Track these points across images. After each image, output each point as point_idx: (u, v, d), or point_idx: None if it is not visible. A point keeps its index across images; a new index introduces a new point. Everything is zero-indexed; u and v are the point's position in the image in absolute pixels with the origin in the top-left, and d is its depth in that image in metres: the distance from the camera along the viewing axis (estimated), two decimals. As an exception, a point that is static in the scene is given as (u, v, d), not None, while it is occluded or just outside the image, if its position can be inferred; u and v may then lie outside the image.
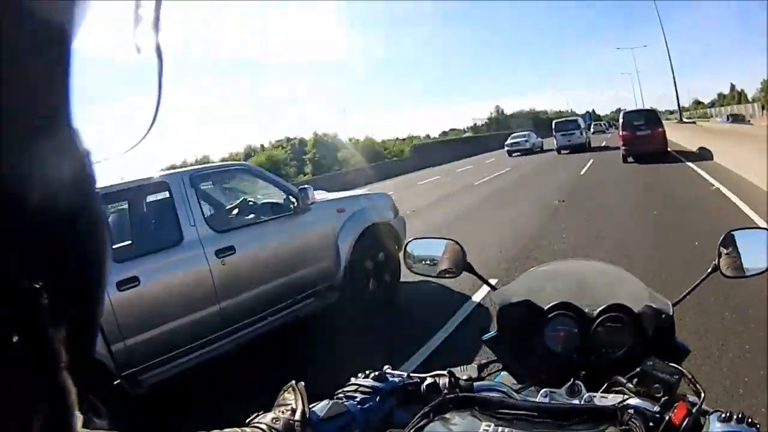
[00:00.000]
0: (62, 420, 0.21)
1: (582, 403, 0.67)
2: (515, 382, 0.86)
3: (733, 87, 64.84)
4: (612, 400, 0.67)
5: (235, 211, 3.55)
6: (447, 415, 0.64)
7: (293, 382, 0.62)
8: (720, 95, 68.20)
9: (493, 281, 1.09)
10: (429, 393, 0.72)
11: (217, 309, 2.84)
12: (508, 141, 25.60)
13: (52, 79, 0.20)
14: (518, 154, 24.24)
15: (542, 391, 0.71)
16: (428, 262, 1.10)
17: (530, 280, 0.99)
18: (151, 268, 2.59)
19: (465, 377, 0.75)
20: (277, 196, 3.59)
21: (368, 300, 3.80)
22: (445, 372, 0.76)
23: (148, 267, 2.57)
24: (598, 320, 0.85)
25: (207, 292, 2.80)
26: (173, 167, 3.94)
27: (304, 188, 3.43)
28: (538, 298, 0.90)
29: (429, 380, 0.74)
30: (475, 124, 54.21)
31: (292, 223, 3.37)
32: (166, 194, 2.85)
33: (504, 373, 0.91)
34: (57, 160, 0.20)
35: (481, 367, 0.85)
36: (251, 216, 3.40)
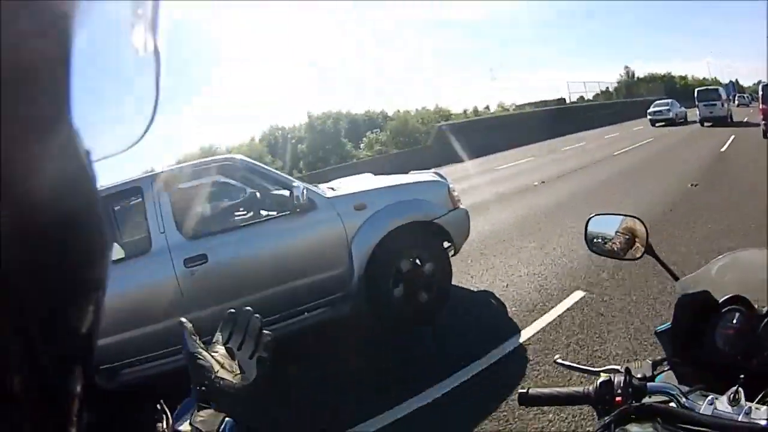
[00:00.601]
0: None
1: (741, 417, 0.65)
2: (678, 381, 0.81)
3: None
4: (764, 413, 0.64)
5: (226, 212, 3.27)
6: (627, 427, 0.65)
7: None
8: None
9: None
10: (602, 391, 0.71)
11: (191, 317, 2.64)
12: (651, 109, 23.55)
13: (52, 78, 0.20)
14: (661, 124, 22.34)
15: (708, 398, 0.68)
16: (606, 240, 1.06)
17: (713, 270, 0.95)
18: (116, 278, 2.47)
19: (639, 375, 0.74)
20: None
21: (399, 317, 3.26)
22: (619, 368, 0.75)
23: (112, 277, 2.45)
24: (766, 319, 0.78)
25: (174, 302, 2.60)
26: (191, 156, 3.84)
27: (296, 187, 3.01)
28: (717, 290, 0.84)
29: (603, 377, 0.73)
30: (606, 89, 46.59)
31: (289, 225, 2.98)
32: (140, 199, 2.71)
33: (668, 371, 0.86)
34: (57, 160, 0.20)
35: (655, 364, 0.84)
36: (245, 217, 3.09)
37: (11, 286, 0.18)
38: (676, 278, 0.95)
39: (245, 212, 3.13)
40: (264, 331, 0.60)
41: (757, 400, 0.68)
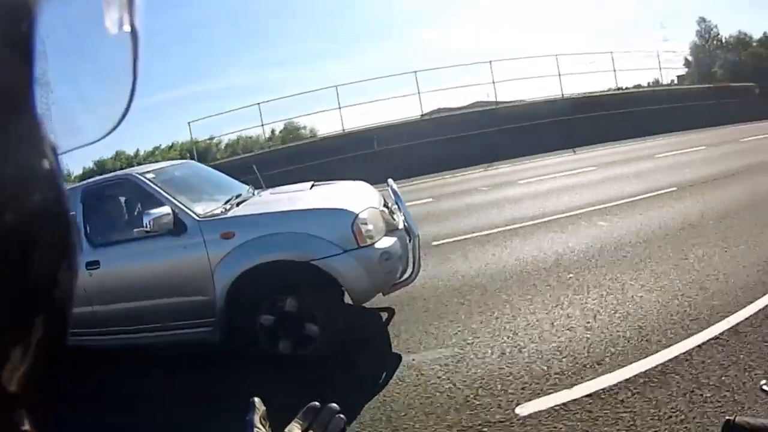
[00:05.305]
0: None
1: None
2: None
3: None
4: None
5: (125, 225, 3.42)
6: None
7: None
8: None
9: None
10: None
11: (90, 310, 3.26)
12: None
13: (12, 63, 0.18)
14: None
15: None
16: None
17: None
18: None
19: None
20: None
21: (277, 357, 2.97)
22: None
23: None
24: None
25: (80, 296, 3.25)
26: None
27: (149, 214, 2.93)
28: None
29: None
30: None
31: (161, 245, 3.05)
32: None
33: None
34: (20, 153, 0.19)
35: None
36: (135, 231, 3.12)
37: None
38: None
39: (141, 227, 3.28)
40: None
41: None
